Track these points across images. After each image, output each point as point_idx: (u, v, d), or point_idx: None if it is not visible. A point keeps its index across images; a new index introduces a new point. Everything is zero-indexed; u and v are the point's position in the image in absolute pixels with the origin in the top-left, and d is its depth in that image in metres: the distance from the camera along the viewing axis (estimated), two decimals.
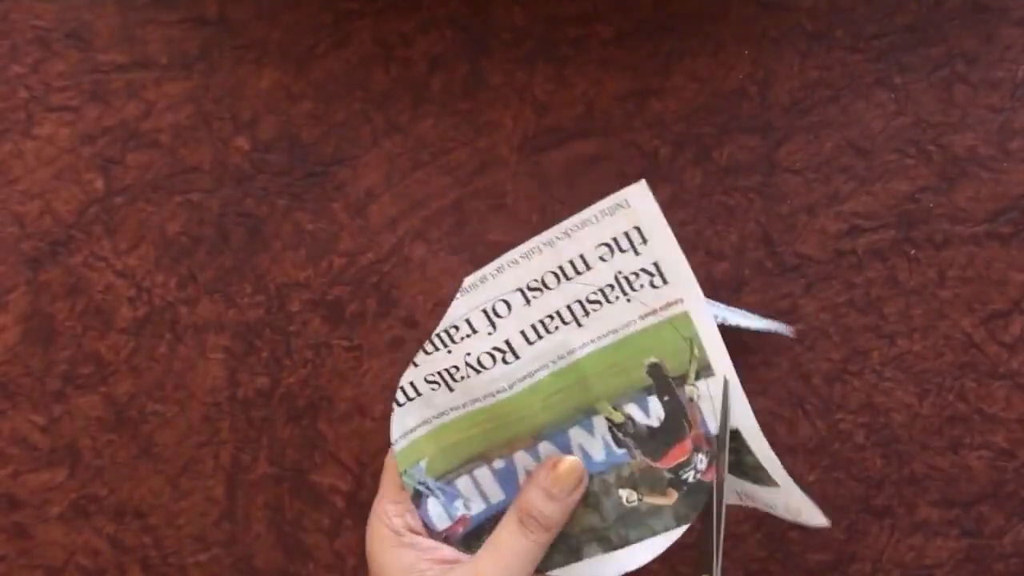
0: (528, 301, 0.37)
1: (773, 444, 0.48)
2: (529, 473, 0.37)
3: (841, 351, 0.48)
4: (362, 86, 0.48)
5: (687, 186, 0.48)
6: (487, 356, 0.37)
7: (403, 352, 0.48)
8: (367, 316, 0.48)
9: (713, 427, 0.36)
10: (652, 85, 0.48)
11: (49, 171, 0.48)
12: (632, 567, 0.37)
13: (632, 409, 0.37)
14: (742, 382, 0.48)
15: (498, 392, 0.37)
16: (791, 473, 0.47)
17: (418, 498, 0.37)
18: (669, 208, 0.48)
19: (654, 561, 0.48)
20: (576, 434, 0.37)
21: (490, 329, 0.37)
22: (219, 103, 0.48)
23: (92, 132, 0.48)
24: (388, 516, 0.35)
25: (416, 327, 0.48)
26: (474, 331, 0.38)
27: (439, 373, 0.38)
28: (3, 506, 0.48)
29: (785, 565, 0.48)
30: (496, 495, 0.37)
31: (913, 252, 0.48)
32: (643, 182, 0.36)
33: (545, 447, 0.37)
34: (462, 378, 0.37)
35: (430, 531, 0.36)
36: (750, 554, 0.48)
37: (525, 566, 0.34)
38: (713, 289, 0.48)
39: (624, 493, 0.37)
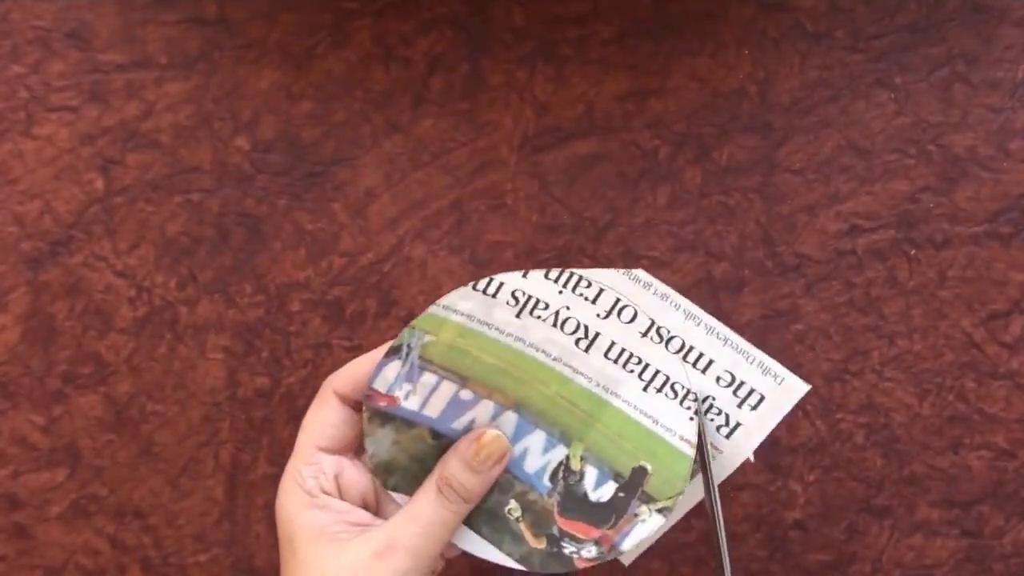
0: (646, 334, 0.37)
1: (773, 444, 0.48)
2: (474, 424, 0.36)
3: (841, 351, 0.48)
4: (362, 86, 0.48)
5: (687, 186, 0.48)
6: (574, 323, 0.36)
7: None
8: (367, 316, 0.48)
9: (627, 546, 0.36)
10: (652, 85, 0.48)
11: (49, 171, 0.48)
12: (469, 549, 0.37)
13: (590, 471, 0.36)
14: None
15: (544, 353, 0.36)
16: (789, 470, 0.47)
17: (390, 353, 0.36)
18: (669, 208, 0.48)
19: (654, 561, 0.48)
20: (537, 438, 0.37)
21: (603, 314, 0.37)
22: (219, 103, 0.48)
23: (92, 132, 0.48)
24: (302, 477, 0.34)
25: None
26: (594, 302, 0.37)
27: (529, 297, 0.36)
28: (3, 506, 0.48)
29: (785, 565, 0.48)
30: (434, 410, 0.36)
31: (913, 252, 0.48)
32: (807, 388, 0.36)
33: (508, 417, 0.36)
34: (538, 317, 0.36)
35: (371, 384, 0.36)
36: (750, 554, 0.48)
37: (441, 535, 0.33)
38: (713, 289, 0.48)
39: (513, 505, 0.36)
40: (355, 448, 0.36)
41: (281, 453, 0.48)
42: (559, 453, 0.37)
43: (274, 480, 0.48)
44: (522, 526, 0.36)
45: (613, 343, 0.37)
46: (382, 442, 0.36)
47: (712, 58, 0.48)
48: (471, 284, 0.37)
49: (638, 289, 0.37)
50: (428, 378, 0.36)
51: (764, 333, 0.48)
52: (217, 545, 0.48)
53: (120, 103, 0.48)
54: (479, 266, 0.48)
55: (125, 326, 0.48)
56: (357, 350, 0.48)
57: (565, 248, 0.48)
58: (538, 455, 0.37)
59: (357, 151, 0.48)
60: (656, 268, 0.48)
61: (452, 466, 0.34)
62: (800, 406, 0.48)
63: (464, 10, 0.48)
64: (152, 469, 0.48)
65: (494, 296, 0.37)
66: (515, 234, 0.48)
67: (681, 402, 0.37)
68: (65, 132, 0.48)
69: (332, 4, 0.48)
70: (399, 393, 0.36)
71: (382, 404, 0.36)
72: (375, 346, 0.48)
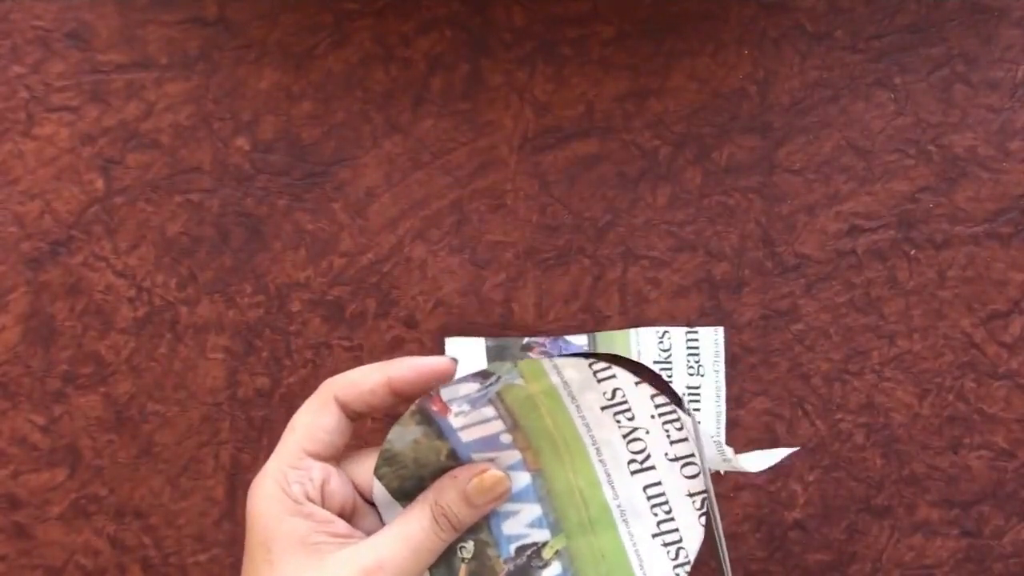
0: (693, 496, 0.37)
1: (774, 444, 0.48)
2: (492, 463, 0.36)
3: (841, 351, 0.48)
4: (362, 86, 0.48)
5: (687, 186, 0.48)
6: (641, 446, 0.36)
7: (403, 352, 0.48)
8: (367, 316, 0.48)
9: None
10: (652, 85, 0.48)
11: (49, 171, 0.48)
12: None
13: (554, 567, 0.36)
14: (742, 382, 0.48)
15: (597, 451, 0.36)
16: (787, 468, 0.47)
17: (479, 374, 0.35)
18: (669, 208, 0.48)
19: None
20: (532, 511, 0.36)
21: (671, 456, 0.36)
22: (219, 103, 0.48)
23: (92, 132, 0.48)
24: (287, 481, 0.32)
25: (416, 327, 0.48)
26: (671, 443, 0.36)
27: (624, 402, 0.36)
28: (3, 506, 0.48)
29: (785, 565, 0.48)
30: (469, 436, 0.35)
31: (913, 252, 0.48)
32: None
33: (522, 476, 0.36)
34: (618, 422, 0.36)
35: (440, 388, 0.34)
36: (750, 554, 0.48)
37: (428, 560, 0.33)
38: (713, 289, 0.48)
39: (469, 546, 0.36)
40: (340, 457, 0.35)
41: None
42: (540, 535, 0.36)
43: None
44: (462, 568, 0.36)
45: (659, 483, 0.36)
46: (405, 437, 0.35)
47: (712, 58, 0.48)
48: (590, 360, 0.35)
49: (718, 460, 0.36)
50: (487, 411, 0.35)
51: (764, 333, 0.48)
52: (217, 545, 0.48)
53: (120, 103, 0.48)
54: (479, 266, 0.48)
55: (125, 326, 0.48)
56: (357, 350, 0.48)
57: (565, 248, 0.48)
58: (521, 525, 0.36)
59: (357, 151, 0.48)
60: (656, 268, 0.48)
61: (449, 496, 0.33)
62: (800, 406, 0.48)
63: (464, 10, 0.48)
64: (152, 469, 0.48)
65: (599, 381, 0.36)
66: (515, 234, 0.48)
67: (675, 567, 0.36)
68: (65, 132, 0.48)
69: (332, 4, 0.48)
70: (455, 408, 0.35)
71: (434, 408, 0.35)
72: (375, 346, 0.48)
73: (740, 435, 0.48)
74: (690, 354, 0.48)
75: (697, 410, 0.47)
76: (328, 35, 0.48)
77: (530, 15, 0.48)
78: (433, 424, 0.35)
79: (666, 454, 0.36)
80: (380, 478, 0.35)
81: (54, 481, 0.48)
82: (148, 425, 0.48)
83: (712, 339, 0.48)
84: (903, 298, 0.48)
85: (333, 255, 0.48)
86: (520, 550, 0.36)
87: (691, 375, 0.48)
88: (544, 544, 0.36)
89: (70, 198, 0.48)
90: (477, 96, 0.48)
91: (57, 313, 0.48)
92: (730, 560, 0.48)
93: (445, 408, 0.34)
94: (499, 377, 0.35)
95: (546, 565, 0.36)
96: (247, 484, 0.48)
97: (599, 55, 0.48)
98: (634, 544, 0.36)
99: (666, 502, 0.36)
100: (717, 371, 0.48)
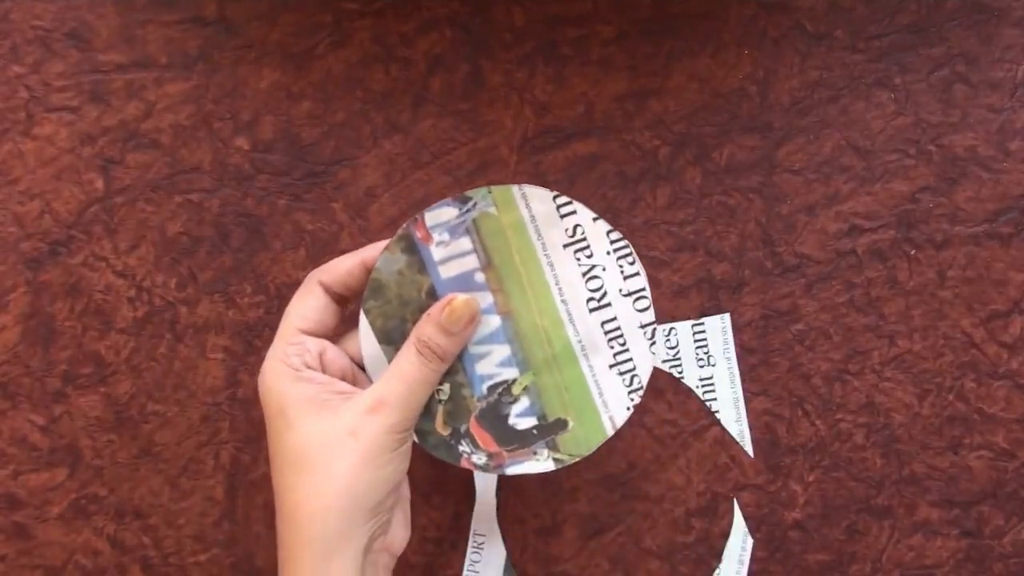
0: (644, 327, 0.40)
1: (774, 444, 0.48)
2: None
3: (841, 351, 0.48)
4: (362, 86, 0.48)
5: (687, 186, 0.48)
6: (598, 283, 0.40)
7: None
8: None
9: (511, 471, 0.40)
10: (652, 85, 0.48)
11: (49, 171, 0.48)
12: None
13: (523, 401, 0.40)
14: (742, 382, 0.48)
15: (559, 291, 0.39)
16: (787, 470, 0.47)
17: (457, 199, 0.38)
18: (669, 208, 0.48)
19: (654, 561, 0.48)
20: (502, 351, 0.39)
21: (624, 291, 0.40)
22: (219, 103, 0.48)
23: (92, 132, 0.48)
24: (287, 355, 0.37)
25: None
26: (625, 279, 0.40)
27: (584, 239, 0.39)
28: (3, 506, 0.48)
29: (785, 565, 0.48)
30: (448, 271, 0.39)
31: (913, 252, 0.48)
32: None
33: (493, 320, 0.39)
34: (578, 260, 0.39)
35: (424, 212, 0.38)
36: (750, 554, 0.48)
37: (423, 390, 0.37)
38: (713, 289, 0.48)
39: (445, 388, 0.39)
40: (333, 336, 0.39)
41: None
42: (509, 373, 0.39)
43: None
44: (439, 408, 0.39)
45: (615, 318, 0.40)
46: (391, 265, 0.39)
47: (712, 58, 0.48)
48: (554, 193, 0.39)
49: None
50: (464, 242, 0.39)
51: (764, 333, 0.48)
52: (217, 545, 0.48)
53: (120, 103, 0.48)
54: None
55: (125, 326, 0.48)
56: None
57: None
58: (492, 365, 0.39)
59: (357, 151, 0.48)
60: (656, 268, 0.48)
61: (428, 330, 0.37)
62: (800, 406, 0.48)
63: (464, 10, 0.48)
64: (152, 469, 0.48)
65: (562, 217, 0.39)
66: None
67: (629, 393, 0.40)
68: (65, 132, 0.48)
69: (332, 4, 0.48)
70: (436, 236, 0.38)
71: (418, 234, 0.38)
72: None
73: None
74: (698, 347, 0.48)
75: (714, 399, 0.47)
76: (328, 35, 0.48)
77: (530, 15, 0.48)
78: (416, 254, 0.38)
79: (620, 290, 0.39)
80: (367, 312, 0.39)
81: (54, 481, 0.48)
82: (148, 425, 0.48)
83: (719, 327, 0.48)
84: (903, 298, 0.48)
85: (333, 255, 0.48)
86: (492, 388, 0.40)
87: (702, 367, 0.48)
88: (513, 381, 0.40)
89: (70, 198, 0.48)
90: (477, 96, 0.48)
91: (57, 313, 0.48)
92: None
93: (428, 236, 0.38)
94: (475, 203, 0.38)
95: (515, 400, 0.40)
96: (247, 484, 0.48)
97: (599, 55, 0.48)
98: (594, 376, 0.40)
99: (621, 335, 0.40)
100: (728, 358, 0.48)
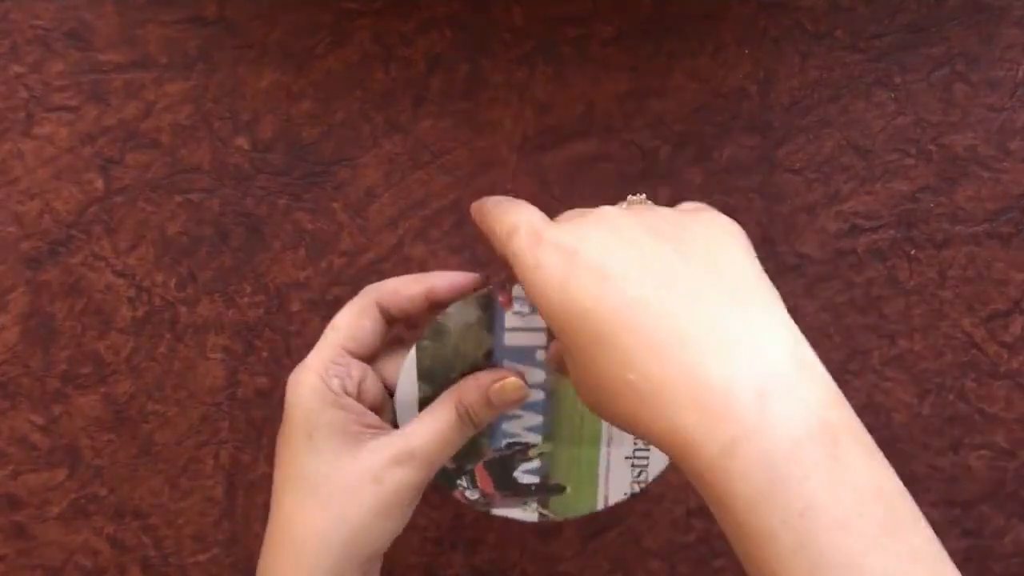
0: None
1: None
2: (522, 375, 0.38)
3: (841, 351, 0.48)
4: (362, 86, 0.48)
5: (687, 186, 0.48)
6: None
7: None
8: None
9: (496, 512, 0.42)
10: (652, 85, 0.48)
11: (49, 171, 0.48)
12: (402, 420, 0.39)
13: (533, 463, 0.41)
14: None
15: None
16: None
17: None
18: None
19: (654, 561, 0.48)
20: (535, 420, 0.40)
21: None
22: (219, 103, 0.48)
23: (92, 132, 0.48)
24: (328, 375, 0.36)
25: (416, 327, 0.48)
26: None
27: None
28: (3, 506, 0.48)
29: None
30: (512, 341, 0.38)
31: (913, 252, 0.48)
32: None
33: (538, 394, 0.39)
34: None
35: (515, 284, 0.37)
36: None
37: (450, 452, 0.36)
38: None
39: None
40: (374, 358, 0.38)
41: None
42: (532, 438, 0.40)
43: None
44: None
45: None
46: (462, 316, 0.38)
47: (712, 58, 0.48)
48: None
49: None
50: (538, 319, 0.38)
51: None
52: (217, 545, 0.48)
53: (120, 103, 0.48)
54: (480, 266, 0.48)
55: (125, 326, 0.48)
56: None
57: None
58: (520, 427, 0.40)
59: (357, 151, 0.48)
60: None
61: (473, 396, 0.36)
62: None
63: (464, 10, 0.48)
64: (152, 469, 0.48)
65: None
66: None
67: (632, 481, 0.41)
68: (65, 132, 0.48)
69: (332, 4, 0.48)
70: (516, 306, 0.38)
71: (500, 299, 0.38)
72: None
73: None
74: None
75: None
76: (328, 35, 0.48)
77: (530, 15, 0.48)
78: (489, 312, 0.38)
79: None
80: (420, 350, 0.38)
81: (54, 481, 0.48)
82: (148, 425, 0.48)
83: None
84: (903, 298, 0.48)
85: (333, 255, 0.48)
86: (510, 445, 0.40)
87: None
88: (533, 445, 0.40)
89: (70, 198, 0.48)
90: (477, 96, 0.48)
91: (57, 313, 0.48)
92: (730, 559, 0.48)
93: (509, 302, 0.38)
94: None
95: (527, 460, 0.40)
96: (247, 484, 0.48)
97: (599, 55, 0.48)
98: (608, 460, 0.41)
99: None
100: None
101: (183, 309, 0.48)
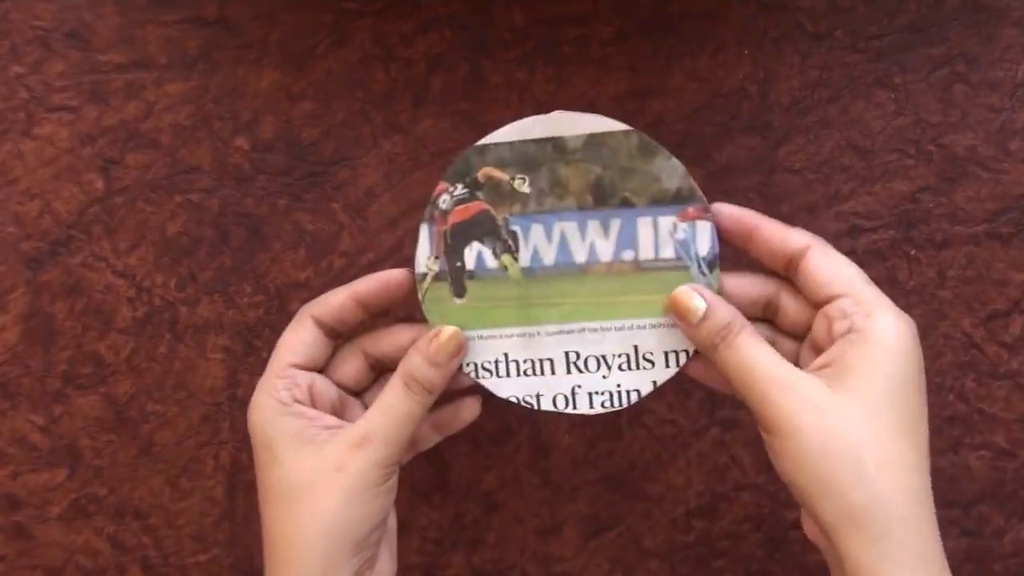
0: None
1: None
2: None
3: None
4: (362, 86, 0.48)
5: None
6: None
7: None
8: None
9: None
10: (652, 85, 0.48)
11: (49, 171, 0.48)
12: None
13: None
14: None
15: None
16: None
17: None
18: None
19: (654, 561, 0.48)
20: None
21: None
22: (219, 103, 0.48)
23: (92, 132, 0.48)
24: (275, 389, 0.37)
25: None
26: None
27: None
28: (3, 506, 0.48)
29: (785, 565, 0.48)
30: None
31: (913, 252, 0.48)
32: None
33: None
34: None
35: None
36: (750, 554, 0.48)
37: (410, 424, 0.36)
38: None
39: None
40: (323, 368, 0.39)
41: None
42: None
43: None
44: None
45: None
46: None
47: (712, 58, 0.48)
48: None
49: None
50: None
51: None
52: (217, 545, 0.48)
53: (120, 103, 0.48)
54: None
55: (125, 326, 0.48)
56: None
57: None
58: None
59: (357, 151, 0.48)
60: None
61: (416, 362, 0.37)
62: None
63: (464, 10, 0.48)
64: (152, 469, 0.48)
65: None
66: None
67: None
68: (65, 132, 0.48)
69: (332, 4, 0.48)
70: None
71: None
72: None
73: (740, 435, 0.48)
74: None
75: None
76: (328, 35, 0.48)
77: (530, 15, 0.48)
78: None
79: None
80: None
81: (54, 481, 0.48)
82: (148, 425, 0.48)
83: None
84: (903, 298, 0.48)
85: (333, 255, 0.48)
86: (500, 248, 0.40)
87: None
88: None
89: (70, 198, 0.48)
90: (477, 96, 0.48)
91: (57, 313, 0.48)
92: (730, 559, 0.48)
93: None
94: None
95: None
96: (247, 484, 0.48)
97: (599, 55, 0.48)
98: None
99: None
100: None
101: (183, 309, 0.48)
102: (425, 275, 0.40)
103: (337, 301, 0.38)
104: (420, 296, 0.40)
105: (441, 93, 0.48)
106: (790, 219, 0.48)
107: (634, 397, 0.39)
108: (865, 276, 0.35)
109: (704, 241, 0.38)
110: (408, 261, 0.48)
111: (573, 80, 0.48)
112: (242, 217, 0.48)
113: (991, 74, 0.48)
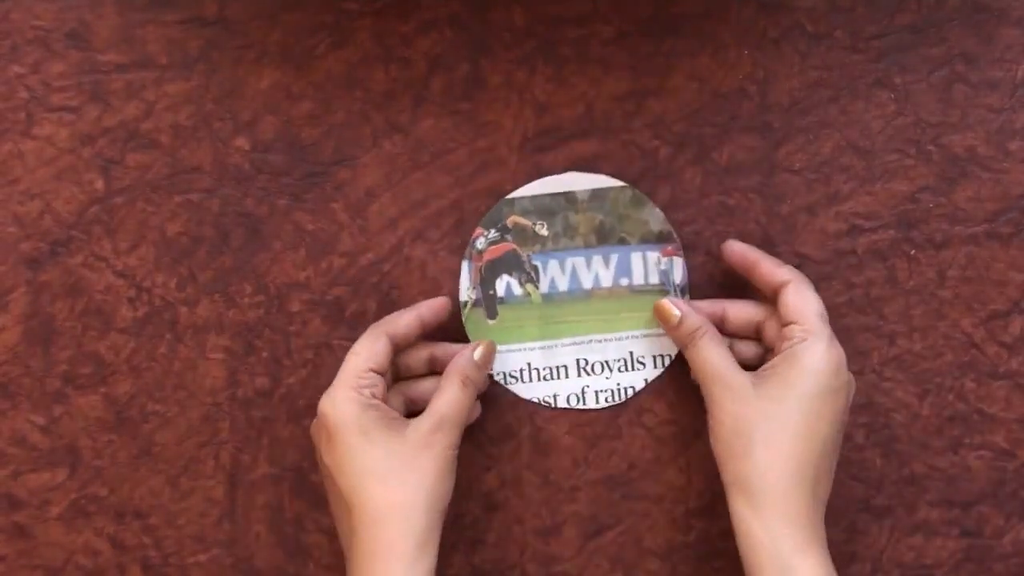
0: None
1: None
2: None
3: None
4: (362, 86, 0.48)
5: (687, 186, 0.48)
6: None
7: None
8: (367, 316, 0.48)
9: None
10: (652, 85, 0.48)
11: (49, 171, 0.48)
12: None
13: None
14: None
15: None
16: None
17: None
18: (669, 208, 0.48)
19: (654, 561, 0.48)
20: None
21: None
22: (219, 103, 0.48)
23: (92, 132, 0.48)
24: (360, 387, 0.43)
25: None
26: None
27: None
28: (3, 506, 0.48)
29: None
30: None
31: (913, 252, 0.48)
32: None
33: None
34: None
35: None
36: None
37: (468, 413, 0.44)
38: (713, 289, 0.48)
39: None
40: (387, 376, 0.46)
41: (281, 453, 0.48)
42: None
43: (274, 480, 0.48)
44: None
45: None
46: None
47: (712, 58, 0.48)
48: None
49: None
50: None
51: None
52: (217, 545, 0.48)
53: (120, 103, 0.48)
54: None
55: (125, 326, 0.48)
56: None
57: None
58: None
59: (357, 151, 0.48)
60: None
61: (467, 366, 0.45)
62: None
63: (464, 10, 0.48)
64: (152, 469, 0.48)
65: None
66: None
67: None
68: (65, 132, 0.48)
69: (332, 4, 0.48)
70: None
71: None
72: None
73: None
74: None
75: None
76: (328, 35, 0.48)
77: (530, 15, 0.48)
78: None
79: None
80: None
81: (54, 481, 0.48)
82: (148, 425, 0.48)
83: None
84: (903, 298, 0.48)
85: (333, 255, 0.48)
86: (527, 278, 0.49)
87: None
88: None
89: (70, 198, 0.48)
90: (477, 96, 0.48)
91: (57, 313, 0.48)
92: (730, 559, 0.48)
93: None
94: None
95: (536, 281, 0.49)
96: (247, 484, 0.48)
97: (599, 55, 0.48)
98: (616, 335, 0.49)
99: None
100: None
101: (183, 309, 0.48)
102: (466, 302, 0.48)
103: (405, 321, 0.45)
104: (463, 319, 0.48)
105: (441, 93, 0.48)
106: (790, 219, 0.48)
107: (630, 392, 0.48)
108: (822, 312, 0.43)
109: (679, 272, 0.48)
110: (408, 260, 0.48)
111: (573, 80, 0.48)
112: (242, 217, 0.48)
113: (991, 74, 0.48)
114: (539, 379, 0.48)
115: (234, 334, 0.48)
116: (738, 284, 0.48)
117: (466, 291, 0.48)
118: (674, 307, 0.46)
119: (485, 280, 0.48)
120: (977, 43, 0.48)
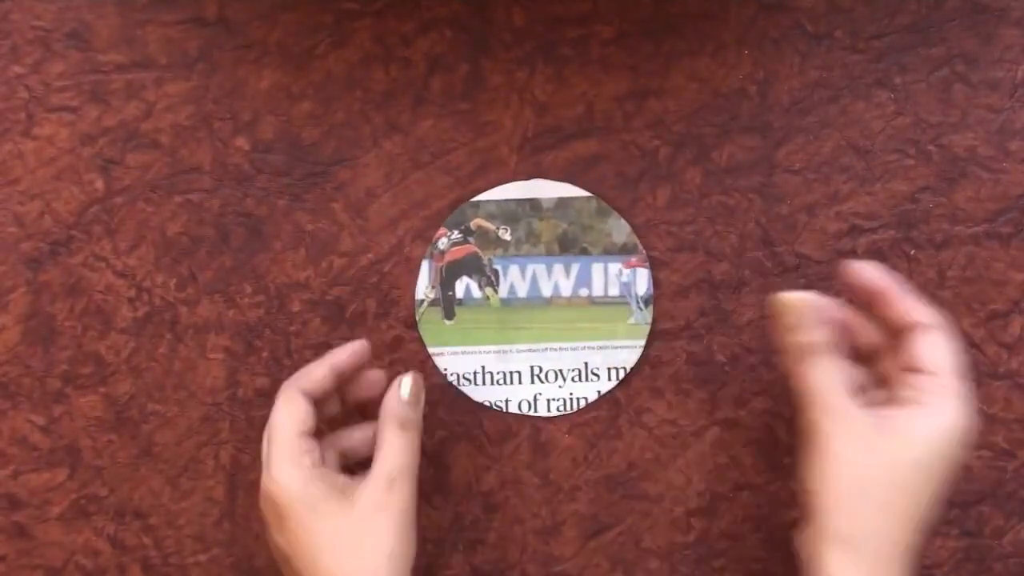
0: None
1: (773, 444, 0.48)
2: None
3: None
4: (362, 86, 0.48)
5: (687, 186, 0.48)
6: None
7: (403, 352, 0.48)
8: (367, 316, 0.48)
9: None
10: (652, 85, 0.48)
11: (49, 171, 0.48)
12: None
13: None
14: (742, 382, 0.48)
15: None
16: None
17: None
18: (669, 208, 0.48)
19: (654, 561, 0.48)
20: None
21: None
22: (219, 103, 0.48)
23: (92, 132, 0.48)
24: (299, 458, 0.41)
25: (416, 327, 0.48)
26: None
27: None
28: (3, 506, 0.48)
29: (785, 565, 0.48)
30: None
31: (913, 252, 0.48)
32: None
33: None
34: None
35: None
36: (750, 554, 0.48)
37: (415, 456, 0.42)
38: (713, 289, 0.48)
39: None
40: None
41: None
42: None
43: None
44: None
45: None
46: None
47: (712, 58, 0.48)
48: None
49: None
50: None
51: (764, 333, 0.48)
52: (217, 545, 0.48)
53: (120, 103, 0.48)
54: None
55: (125, 326, 0.48)
56: None
57: None
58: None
59: (357, 151, 0.48)
60: (656, 268, 0.48)
61: (397, 408, 0.42)
62: None
63: (464, 10, 0.48)
64: (152, 469, 0.48)
65: None
66: None
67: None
68: (65, 132, 0.48)
69: (332, 4, 0.48)
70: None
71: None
72: (375, 346, 0.48)
73: (740, 435, 0.48)
74: None
75: None
76: (328, 35, 0.48)
77: (530, 15, 0.48)
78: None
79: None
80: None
81: (54, 481, 0.48)
82: (148, 425, 0.48)
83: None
84: None
85: (333, 255, 0.48)
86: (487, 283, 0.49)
87: None
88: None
89: (70, 198, 0.48)
90: (477, 96, 0.48)
91: (57, 313, 0.48)
92: (730, 559, 0.48)
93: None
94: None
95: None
96: (247, 484, 0.48)
97: (599, 55, 0.48)
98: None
99: None
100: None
101: (183, 309, 0.48)
102: (423, 301, 0.48)
103: (319, 375, 0.42)
104: (417, 317, 0.48)
105: (441, 93, 0.48)
106: (790, 219, 0.48)
107: (583, 403, 0.48)
108: (961, 368, 0.39)
109: (643, 283, 0.48)
110: (408, 261, 0.48)
111: (573, 80, 0.48)
112: (242, 217, 0.48)
113: (991, 74, 0.48)
114: (492, 383, 0.48)
115: (234, 334, 0.48)
116: (737, 283, 0.48)
117: (424, 290, 0.48)
118: (799, 303, 0.41)
119: (445, 281, 0.48)
120: (977, 43, 0.48)
